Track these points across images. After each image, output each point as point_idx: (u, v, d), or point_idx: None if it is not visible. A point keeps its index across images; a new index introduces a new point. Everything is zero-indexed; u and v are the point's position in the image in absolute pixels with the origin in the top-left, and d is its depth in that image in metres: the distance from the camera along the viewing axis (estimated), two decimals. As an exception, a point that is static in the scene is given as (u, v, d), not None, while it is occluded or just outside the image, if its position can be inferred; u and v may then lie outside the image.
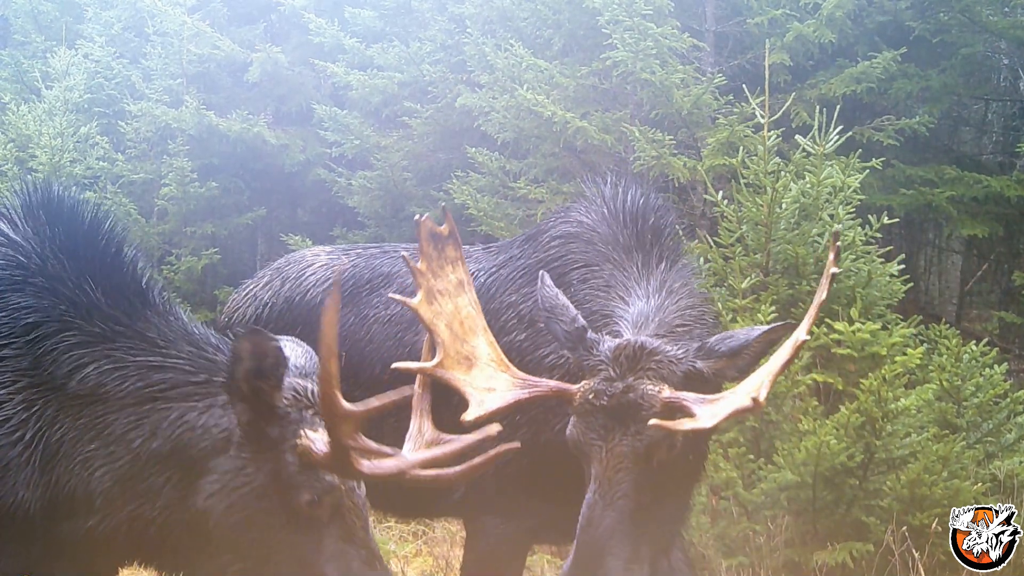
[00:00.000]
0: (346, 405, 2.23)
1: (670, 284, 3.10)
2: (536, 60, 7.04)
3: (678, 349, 2.76)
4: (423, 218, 2.84)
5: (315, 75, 9.61)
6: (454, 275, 2.84)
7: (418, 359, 3.09)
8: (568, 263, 3.28)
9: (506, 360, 2.82)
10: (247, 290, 3.92)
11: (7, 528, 2.41)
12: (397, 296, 2.89)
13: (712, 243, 5.34)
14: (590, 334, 2.81)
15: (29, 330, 2.44)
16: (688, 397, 2.60)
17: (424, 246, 2.81)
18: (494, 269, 3.47)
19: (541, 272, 3.03)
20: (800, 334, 2.54)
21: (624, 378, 2.66)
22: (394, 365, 2.83)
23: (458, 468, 2.48)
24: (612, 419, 2.64)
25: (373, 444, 2.32)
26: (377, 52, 8.84)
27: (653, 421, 2.52)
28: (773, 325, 2.76)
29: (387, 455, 2.36)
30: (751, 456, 4.49)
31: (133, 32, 10.32)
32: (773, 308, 4.62)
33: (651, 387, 2.64)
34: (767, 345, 2.74)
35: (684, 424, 2.50)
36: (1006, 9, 8.06)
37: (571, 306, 2.90)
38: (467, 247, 3.80)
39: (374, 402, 2.26)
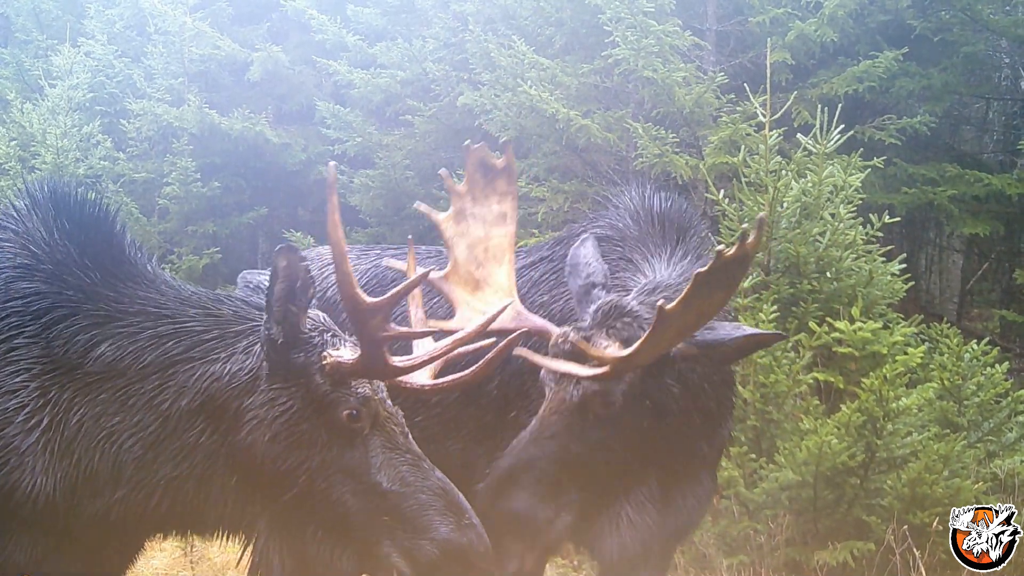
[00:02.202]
0: (370, 299, 2.32)
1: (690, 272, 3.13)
2: (538, 58, 7.04)
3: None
4: (475, 146, 2.87)
5: (316, 74, 9.62)
6: (499, 207, 2.90)
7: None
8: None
9: (516, 293, 2.88)
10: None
11: (23, 516, 2.43)
12: (423, 207, 2.94)
13: (714, 241, 5.34)
14: (596, 290, 2.87)
15: (41, 315, 2.48)
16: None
17: (470, 170, 2.85)
18: (525, 270, 3.50)
19: (588, 235, 3.09)
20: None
21: (590, 329, 2.73)
22: (387, 263, 2.95)
23: (474, 368, 2.57)
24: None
25: (404, 328, 2.43)
26: (380, 50, 8.85)
27: (519, 350, 2.63)
28: (757, 332, 2.77)
29: (420, 334, 2.50)
30: (752, 455, 4.50)
31: (135, 31, 10.33)
32: (775, 308, 4.63)
33: (604, 342, 2.69)
34: (751, 348, 2.78)
35: (548, 362, 2.63)
36: (1007, 8, 8.07)
37: (593, 264, 2.96)
38: (521, 248, 3.84)
39: (393, 290, 2.37)
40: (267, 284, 2.41)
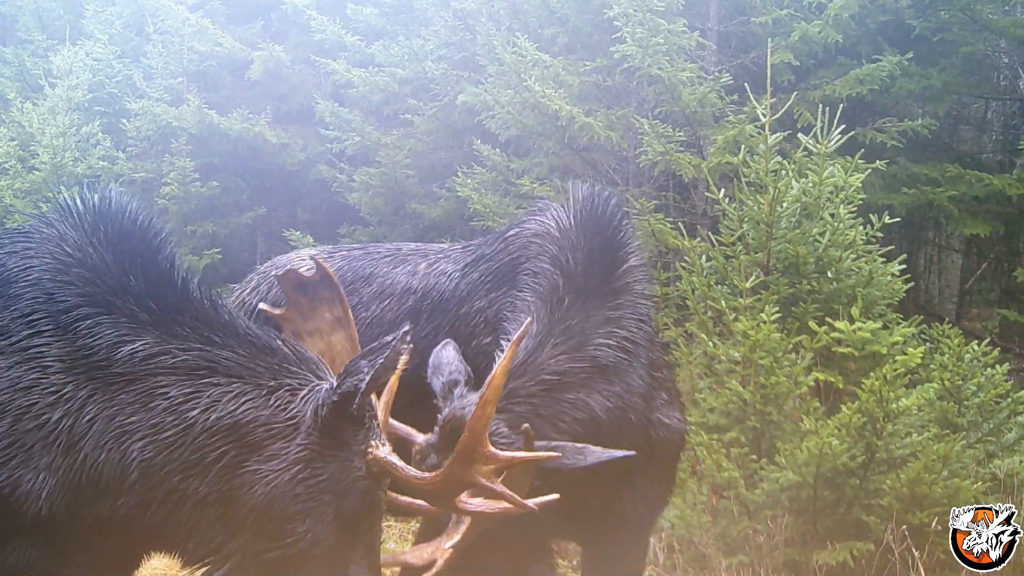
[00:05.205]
0: (491, 449, 2.35)
1: (583, 323, 3.01)
2: (541, 55, 7.04)
3: (503, 439, 2.72)
4: (283, 272, 2.85)
5: (315, 73, 9.64)
6: (330, 314, 2.85)
7: None
8: (522, 266, 3.26)
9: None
10: (236, 295, 3.90)
11: (24, 516, 2.41)
12: (264, 307, 2.94)
13: (714, 241, 5.35)
14: (459, 389, 2.82)
15: (64, 313, 2.46)
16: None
17: (288, 295, 2.83)
18: (466, 270, 3.47)
19: (448, 340, 3.05)
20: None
21: (439, 452, 2.68)
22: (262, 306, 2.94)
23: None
24: None
25: (506, 489, 2.39)
26: (379, 49, 8.86)
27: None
28: (599, 460, 2.70)
29: (507, 499, 2.41)
30: (753, 456, 4.49)
31: (134, 30, 10.35)
32: (776, 309, 4.63)
33: None
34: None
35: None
36: (1006, 7, 8.08)
37: (457, 363, 2.92)
38: (444, 245, 3.82)
39: (520, 455, 2.42)
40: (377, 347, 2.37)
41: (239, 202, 9.71)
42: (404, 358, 2.41)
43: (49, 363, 2.42)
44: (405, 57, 8.61)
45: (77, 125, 8.85)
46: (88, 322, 2.44)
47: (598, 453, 2.70)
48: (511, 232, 3.45)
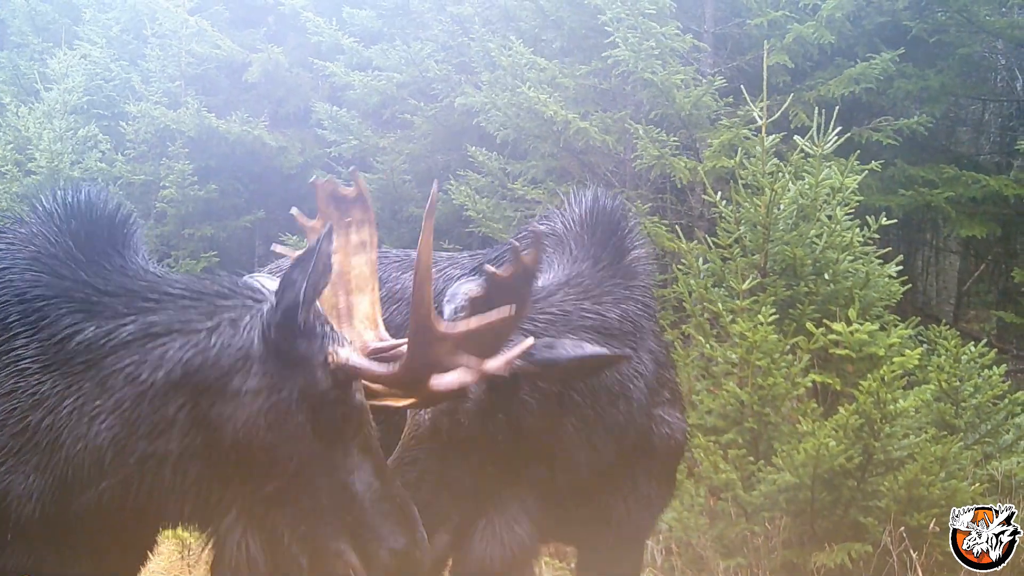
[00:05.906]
0: (444, 326, 2.28)
1: (597, 288, 3.00)
2: (536, 59, 7.04)
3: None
4: (323, 180, 2.79)
5: (313, 76, 9.64)
6: (356, 236, 2.80)
7: None
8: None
9: (380, 322, 2.79)
10: None
11: (19, 519, 2.40)
12: (279, 248, 2.93)
13: (711, 244, 5.35)
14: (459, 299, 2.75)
15: (34, 310, 2.44)
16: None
17: (321, 205, 2.78)
18: (474, 273, 3.48)
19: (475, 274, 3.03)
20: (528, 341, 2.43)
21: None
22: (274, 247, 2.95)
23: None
24: None
25: (472, 361, 2.32)
26: (376, 53, 8.86)
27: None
28: (597, 353, 2.65)
29: (475, 369, 2.34)
30: (751, 458, 4.50)
31: (131, 34, 10.34)
32: (773, 310, 4.63)
33: None
34: (592, 368, 2.68)
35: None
36: (1003, 9, 8.09)
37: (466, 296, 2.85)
38: (455, 253, 3.84)
39: (473, 322, 2.31)
40: (297, 262, 2.30)
41: (237, 205, 9.70)
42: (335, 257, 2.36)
43: (25, 365, 2.40)
44: (402, 61, 8.62)
45: (74, 128, 8.85)
46: (52, 316, 2.42)
47: (596, 348, 2.64)
48: (519, 235, 3.47)
